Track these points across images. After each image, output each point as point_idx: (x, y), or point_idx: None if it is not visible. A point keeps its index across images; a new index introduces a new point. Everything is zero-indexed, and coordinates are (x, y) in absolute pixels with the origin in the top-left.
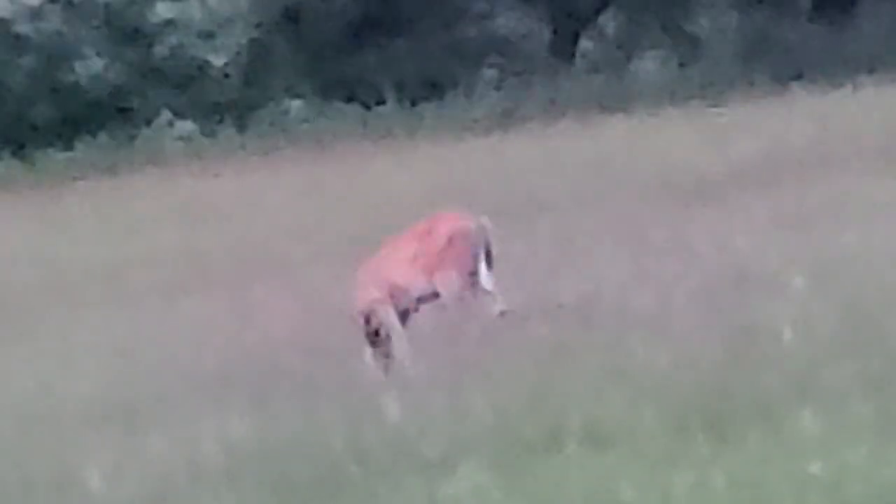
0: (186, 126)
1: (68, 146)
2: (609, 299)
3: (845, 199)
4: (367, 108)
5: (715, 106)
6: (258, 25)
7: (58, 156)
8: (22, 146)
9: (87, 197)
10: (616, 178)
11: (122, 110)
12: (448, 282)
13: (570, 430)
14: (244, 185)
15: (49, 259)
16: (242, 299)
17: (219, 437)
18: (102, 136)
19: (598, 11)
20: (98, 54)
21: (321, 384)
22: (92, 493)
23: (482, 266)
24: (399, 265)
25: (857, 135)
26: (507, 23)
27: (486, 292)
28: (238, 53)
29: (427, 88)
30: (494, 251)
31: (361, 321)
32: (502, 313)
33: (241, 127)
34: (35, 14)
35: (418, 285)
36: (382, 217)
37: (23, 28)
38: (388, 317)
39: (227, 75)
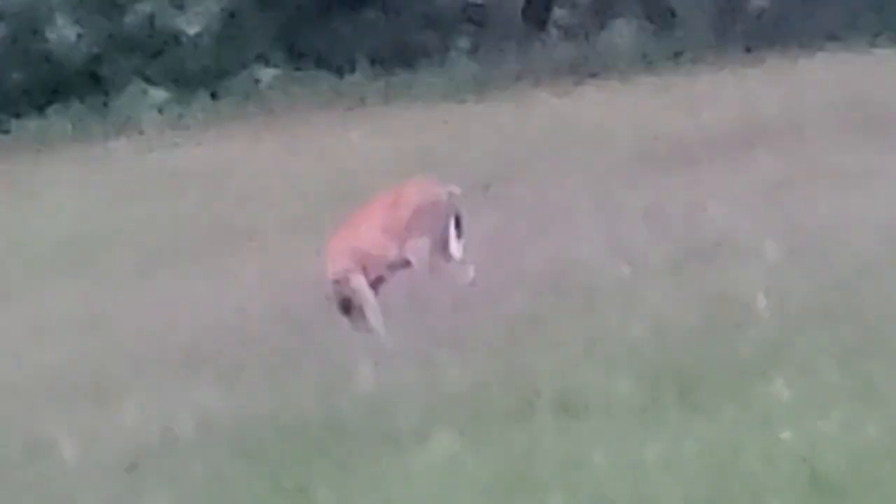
0: (159, 94)
1: (40, 114)
2: (583, 267)
3: (819, 166)
4: (340, 76)
5: (688, 74)
6: None
7: (29, 124)
8: None
9: (60, 165)
10: (589, 146)
11: (95, 78)
12: (418, 249)
13: (543, 399)
14: (217, 154)
15: (20, 228)
16: (216, 269)
17: (191, 407)
18: (75, 104)
19: None
20: (70, 22)
21: (294, 354)
22: (65, 462)
23: (452, 234)
24: (369, 234)
25: (831, 102)
26: None
27: (457, 260)
28: (210, 22)
29: (399, 56)
30: (465, 219)
31: (333, 291)
32: (473, 281)
33: (214, 95)
34: None
35: (389, 254)
36: (356, 185)
37: None
38: (360, 286)
39: (199, 44)
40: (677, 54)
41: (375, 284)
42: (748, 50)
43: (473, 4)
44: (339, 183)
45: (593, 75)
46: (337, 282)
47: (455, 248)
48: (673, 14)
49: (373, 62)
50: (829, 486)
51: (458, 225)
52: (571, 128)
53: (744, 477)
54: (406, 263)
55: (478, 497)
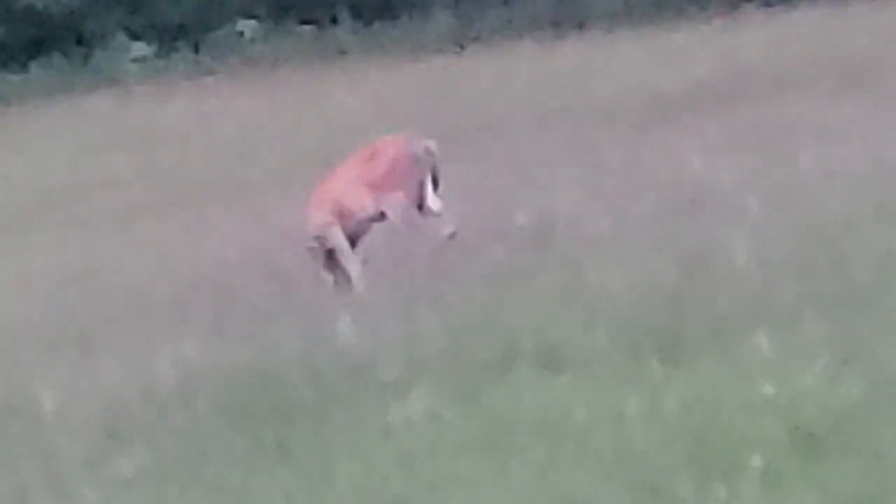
0: (141, 48)
1: (23, 68)
2: (563, 221)
3: (801, 119)
4: (322, 28)
5: (670, 26)
6: None
7: (12, 78)
8: None
9: (42, 119)
10: (570, 99)
11: (77, 32)
12: (395, 203)
13: (523, 352)
14: (199, 107)
15: (2, 181)
16: (197, 222)
17: (172, 360)
18: (57, 58)
19: None
20: None
21: (275, 308)
22: (45, 415)
23: (429, 188)
24: (347, 188)
25: (812, 55)
26: None
27: (434, 214)
28: None
29: (381, 9)
30: (441, 173)
31: (313, 244)
32: (451, 235)
33: (196, 49)
34: None
35: (366, 207)
36: (337, 138)
37: None
38: (338, 239)
39: None
40: (658, 6)
41: (354, 238)
42: (730, 2)
43: None
44: (321, 136)
45: (574, 28)
46: (316, 236)
47: (433, 201)
48: None
49: (355, 15)
50: (811, 440)
51: (434, 179)
52: (553, 80)
53: (725, 431)
54: (383, 217)
55: (458, 451)
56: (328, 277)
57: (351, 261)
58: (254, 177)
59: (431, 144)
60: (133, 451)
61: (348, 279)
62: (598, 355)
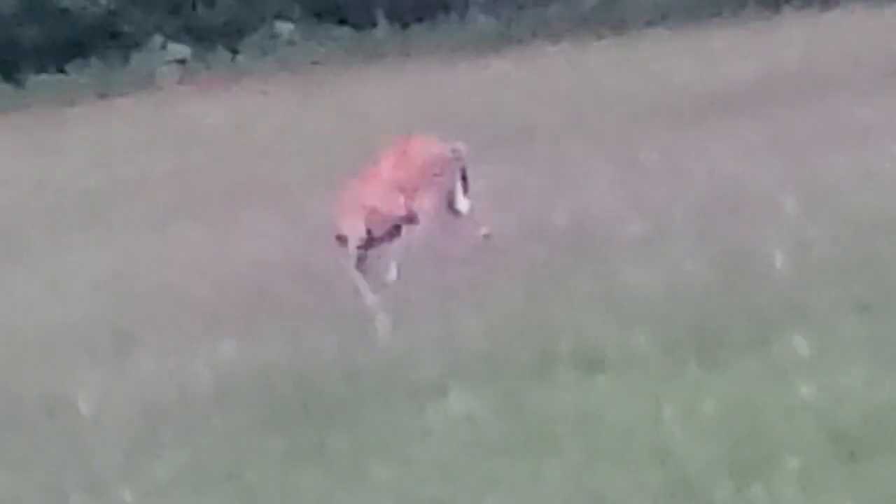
0: (178, 49)
1: (60, 70)
2: (601, 223)
3: (839, 120)
4: (359, 30)
5: (708, 28)
6: None
7: (49, 80)
8: (13, 70)
9: (79, 121)
10: (608, 102)
11: (115, 34)
12: (426, 205)
13: (562, 354)
14: (236, 109)
15: (40, 183)
16: (234, 224)
17: (209, 361)
18: (94, 60)
19: None
20: None
21: (312, 309)
22: (82, 417)
23: (458, 190)
24: (377, 190)
25: (849, 57)
26: None
27: (464, 216)
28: None
29: (419, 11)
30: (470, 175)
31: (343, 246)
32: (486, 235)
33: (233, 50)
34: None
35: (397, 209)
36: (373, 140)
37: None
38: (351, 249)
39: None
40: (696, 9)
41: (387, 240)
42: (767, 4)
43: None
44: (357, 138)
45: (612, 30)
46: (339, 238)
47: (462, 203)
48: None
49: (392, 17)
50: (848, 442)
51: (464, 181)
52: (590, 83)
53: (762, 432)
54: (415, 219)
55: (495, 453)
56: (359, 278)
57: (355, 275)
58: (290, 178)
59: (460, 146)
60: (170, 453)
61: (383, 279)
62: (636, 357)
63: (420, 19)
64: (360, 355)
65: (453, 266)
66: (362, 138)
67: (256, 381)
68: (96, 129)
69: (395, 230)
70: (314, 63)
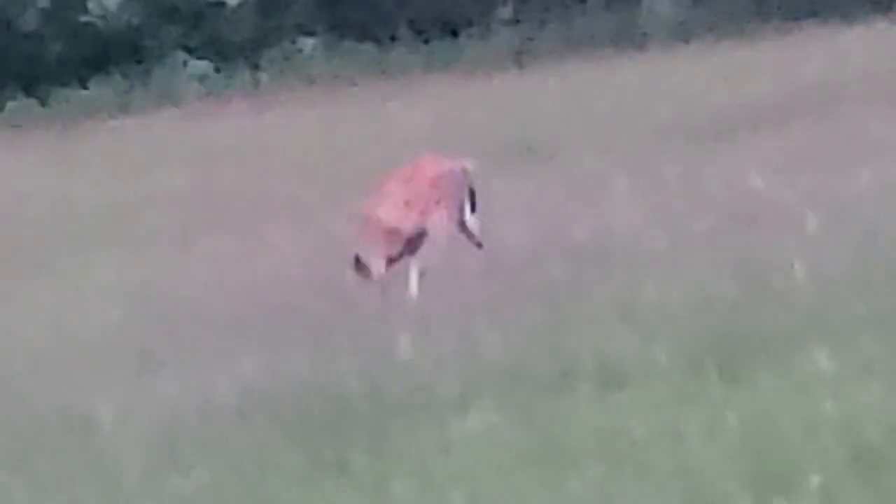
0: (200, 65)
1: (82, 85)
2: (622, 238)
3: (860, 136)
4: (381, 45)
5: (728, 44)
6: None
7: (71, 95)
8: (35, 85)
9: (101, 136)
10: (629, 117)
11: (136, 49)
12: (439, 223)
13: (583, 369)
14: (257, 124)
15: (62, 198)
16: (255, 239)
17: (231, 377)
18: (116, 75)
19: None
20: None
21: (333, 324)
22: (103, 432)
23: (467, 208)
24: (389, 208)
25: (870, 73)
26: None
27: (472, 234)
28: None
29: (440, 27)
30: (492, 190)
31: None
32: (488, 254)
33: (255, 66)
34: None
35: (409, 227)
36: (396, 156)
37: None
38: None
39: (240, 14)
40: (717, 25)
41: (400, 258)
42: (786, 20)
43: None
44: (379, 153)
45: (633, 46)
46: (357, 259)
47: (471, 222)
48: None
49: (414, 32)
50: (870, 458)
51: (472, 199)
52: (612, 98)
53: (784, 448)
54: (425, 236)
55: (517, 468)
56: (379, 296)
57: (375, 294)
58: (312, 194)
59: (468, 164)
60: (192, 469)
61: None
62: (657, 372)
63: (442, 35)
64: (382, 371)
65: (474, 282)
66: (385, 154)
67: (278, 397)
68: (118, 144)
69: (410, 248)
70: (336, 78)
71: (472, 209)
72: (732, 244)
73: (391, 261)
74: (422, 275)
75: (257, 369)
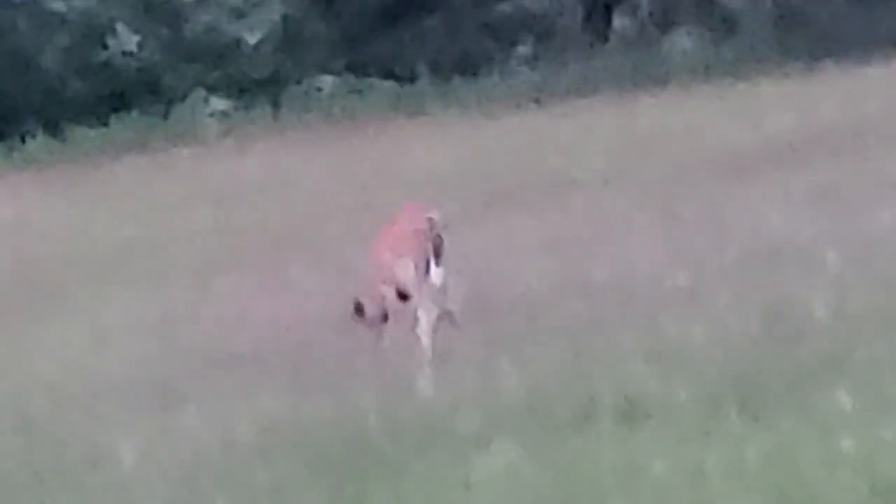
0: (220, 103)
1: (102, 123)
2: (643, 276)
3: (880, 174)
4: (401, 84)
5: (749, 82)
6: (290, 2)
7: (91, 133)
8: (55, 123)
9: (121, 174)
10: (650, 155)
11: (156, 87)
12: (400, 276)
13: (604, 407)
14: (278, 162)
15: (83, 236)
16: (276, 277)
17: (252, 413)
18: (136, 113)
19: None
20: (131, 31)
21: (354, 361)
22: (125, 470)
23: (431, 260)
24: (383, 252)
25: (890, 111)
26: (540, 0)
27: (434, 287)
28: (271, 30)
29: (460, 65)
30: (445, 245)
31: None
32: (449, 312)
33: (275, 104)
34: None
35: (387, 271)
36: (416, 194)
37: (56, 5)
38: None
39: (260, 52)
40: (738, 63)
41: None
42: (809, 59)
43: (534, 14)
44: (399, 191)
45: (654, 84)
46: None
47: (434, 274)
48: (733, 22)
49: (434, 70)
50: (891, 497)
51: (436, 252)
52: (632, 136)
53: (805, 486)
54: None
55: None
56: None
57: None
58: (332, 231)
59: (434, 215)
60: None
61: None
62: (678, 409)
63: (462, 73)
64: (402, 408)
65: (495, 319)
66: (405, 192)
67: (299, 435)
68: (138, 182)
69: (403, 298)
70: (356, 117)
71: (437, 263)
72: (754, 282)
73: (385, 306)
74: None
75: (278, 406)
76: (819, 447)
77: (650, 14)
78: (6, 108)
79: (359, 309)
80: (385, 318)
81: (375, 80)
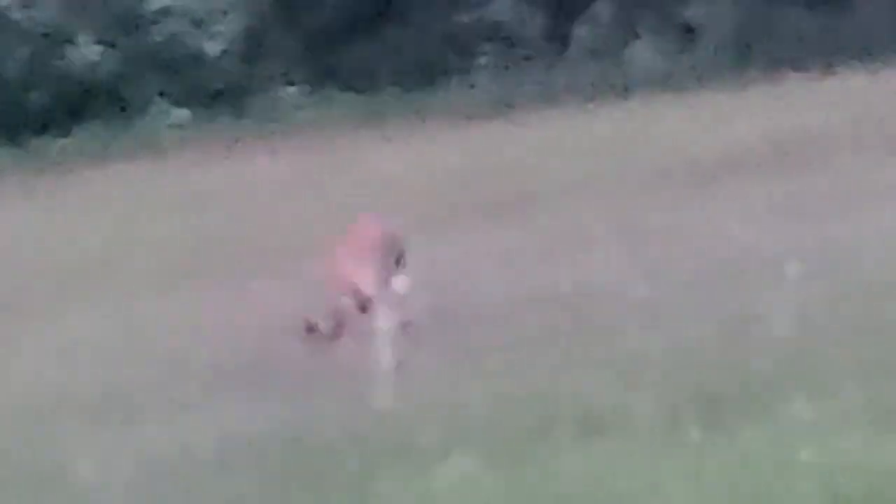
0: (181, 114)
1: (63, 133)
2: (604, 288)
3: (841, 185)
4: (363, 95)
5: (712, 93)
6: (253, 13)
7: (53, 143)
8: (17, 133)
9: (83, 184)
10: (612, 166)
11: (118, 98)
12: (366, 281)
13: (564, 418)
14: (239, 173)
15: (43, 246)
16: (237, 288)
17: (213, 426)
18: (97, 124)
19: None
20: (93, 41)
21: (314, 373)
22: (86, 484)
23: (392, 272)
24: (343, 262)
25: (851, 121)
26: (501, 10)
27: (396, 297)
28: (233, 41)
29: (423, 76)
30: (406, 255)
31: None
32: (407, 324)
33: (237, 115)
34: (29, 1)
35: (346, 282)
36: (378, 205)
37: (17, 15)
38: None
39: (221, 63)
40: (699, 74)
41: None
42: (770, 69)
43: (495, 24)
44: (362, 202)
45: (615, 95)
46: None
47: (398, 284)
48: (693, 32)
49: (396, 81)
50: None
51: (398, 262)
52: (594, 147)
53: (764, 497)
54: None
55: None
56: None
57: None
58: (293, 242)
59: (395, 229)
60: None
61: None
62: (638, 420)
63: (424, 84)
64: (363, 419)
65: (455, 331)
66: (366, 203)
67: (259, 446)
68: (100, 192)
69: (363, 308)
70: (318, 127)
71: (400, 273)
72: (714, 293)
73: (341, 319)
74: (396, 330)
75: (239, 418)
76: (778, 457)
77: (611, 24)
78: None
79: (310, 328)
80: (342, 330)
81: (338, 91)
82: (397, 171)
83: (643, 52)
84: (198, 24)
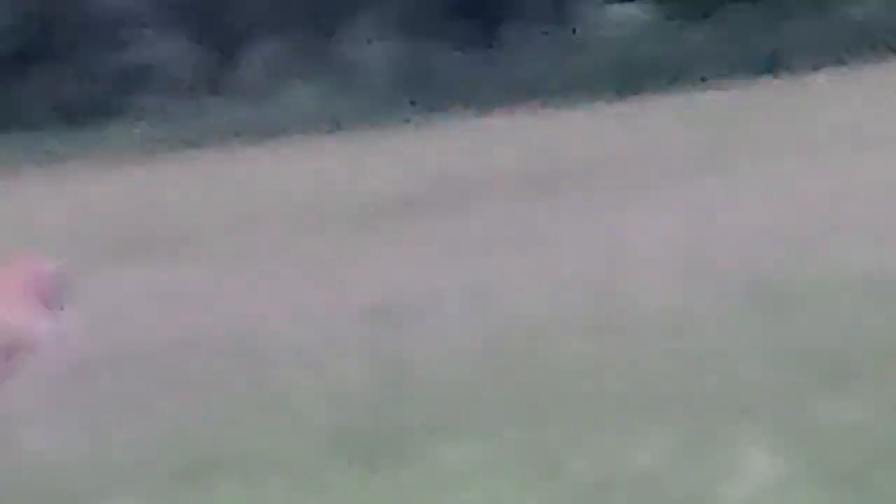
0: None
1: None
2: (257, 328)
3: (495, 226)
4: (28, 132)
5: (370, 134)
6: None
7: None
8: None
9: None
10: (262, 207)
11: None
12: (16, 322)
13: (217, 462)
14: None
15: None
16: None
17: None
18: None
19: (247, 38)
20: None
21: None
22: None
23: (50, 309)
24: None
25: (510, 162)
26: (154, 49)
27: (52, 338)
28: None
29: (87, 114)
30: (63, 296)
31: None
32: (62, 366)
33: None
34: None
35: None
36: (39, 244)
37: None
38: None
39: None
40: (357, 115)
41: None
42: (430, 110)
43: (146, 64)
44: (23, 242)
45: (270, 136)
46: None
47: (51, 325)
48: (352, 74)
49: (61, 119)
50: None
51: (53, 301)
52: (246, 188)
53: None
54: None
55: None
56: None
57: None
58: None
59: (52, 266)
60: None
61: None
62: (296, 464)
63: (88, 122)
64: (6, 467)
65: (109, 373)
66: (28, 242)
67: None
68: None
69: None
70: None
71: (57, 311)
72: (370, 336)
73: None
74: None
75: None
76: (434, 502)
77: (266, 65)
78: None
79: None
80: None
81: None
82: (60, 210)
83: (299, 93)
84: None
